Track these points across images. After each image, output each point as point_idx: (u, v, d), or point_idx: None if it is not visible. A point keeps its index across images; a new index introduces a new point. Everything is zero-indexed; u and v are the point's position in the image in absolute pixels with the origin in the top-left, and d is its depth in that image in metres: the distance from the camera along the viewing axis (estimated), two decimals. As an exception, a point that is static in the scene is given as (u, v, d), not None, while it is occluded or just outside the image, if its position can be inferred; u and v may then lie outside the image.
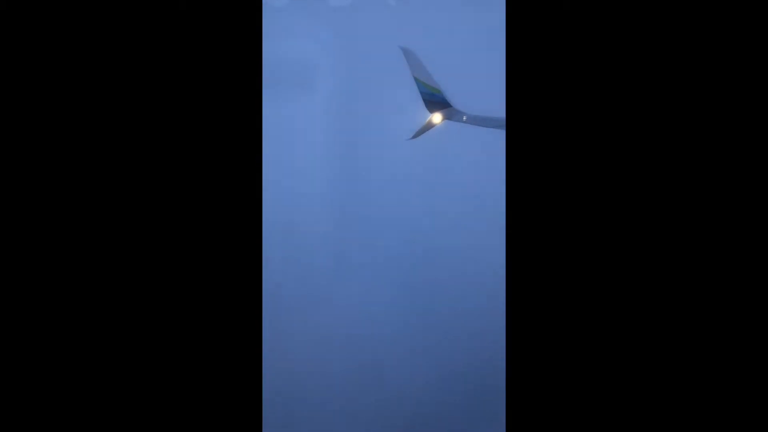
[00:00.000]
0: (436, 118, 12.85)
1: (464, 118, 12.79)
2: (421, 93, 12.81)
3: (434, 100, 12.80)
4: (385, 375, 16.33)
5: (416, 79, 12.77)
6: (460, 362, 16.21)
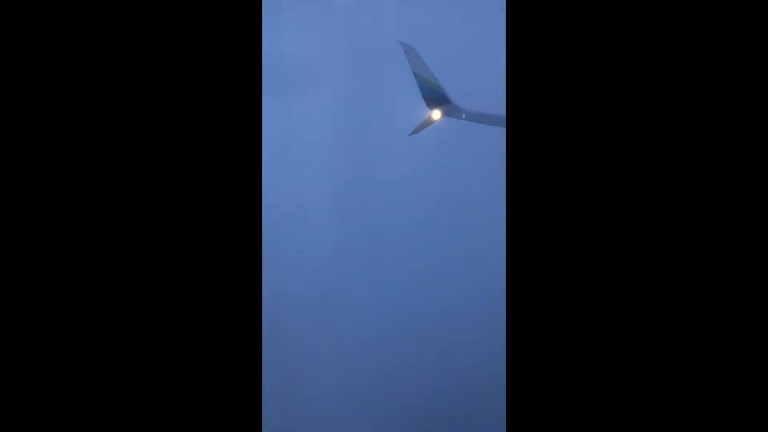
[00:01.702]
0: (436, 114, 12.85)
1: (463, 114, 12.79)
2: (421, 89, 12.81)
3: (434, 96, 12.80)
4: (385, 377, 16.35)
5: (416, 75, 12.76)
6: (460, 362, 16.24)
